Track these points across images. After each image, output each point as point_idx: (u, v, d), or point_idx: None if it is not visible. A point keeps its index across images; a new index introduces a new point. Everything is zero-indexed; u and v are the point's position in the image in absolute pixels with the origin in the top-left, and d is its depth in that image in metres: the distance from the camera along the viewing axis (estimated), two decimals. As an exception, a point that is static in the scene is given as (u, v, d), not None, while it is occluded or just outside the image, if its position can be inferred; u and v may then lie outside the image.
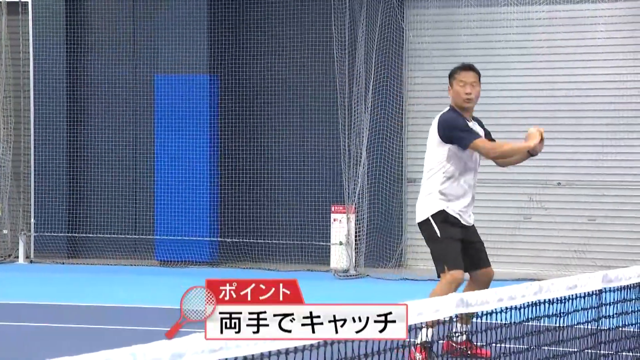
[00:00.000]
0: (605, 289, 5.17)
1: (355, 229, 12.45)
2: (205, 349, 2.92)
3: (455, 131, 6.78)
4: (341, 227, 12.47)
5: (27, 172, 14.03)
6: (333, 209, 12.61)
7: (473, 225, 6.93)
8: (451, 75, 7.05)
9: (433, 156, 6.85)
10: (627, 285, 5.39)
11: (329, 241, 12.67)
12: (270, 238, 13.37)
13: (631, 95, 12.10)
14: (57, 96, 13.91)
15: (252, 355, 3.13)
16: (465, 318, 5.76)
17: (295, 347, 3.28)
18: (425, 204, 6.84)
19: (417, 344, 6.15)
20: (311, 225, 13.21)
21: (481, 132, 6.97)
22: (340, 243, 12.48)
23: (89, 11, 13.96)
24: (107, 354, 2.64)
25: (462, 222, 6.81)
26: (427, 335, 6.11)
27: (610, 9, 12.12)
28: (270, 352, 3.18)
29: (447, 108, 7.03)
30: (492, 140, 7.04)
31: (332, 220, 12.59)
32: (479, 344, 6.21)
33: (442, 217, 6.77)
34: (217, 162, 13.38)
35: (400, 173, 12.88)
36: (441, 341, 6.35)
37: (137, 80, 13.80)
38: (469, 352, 6.48)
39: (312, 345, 3.35)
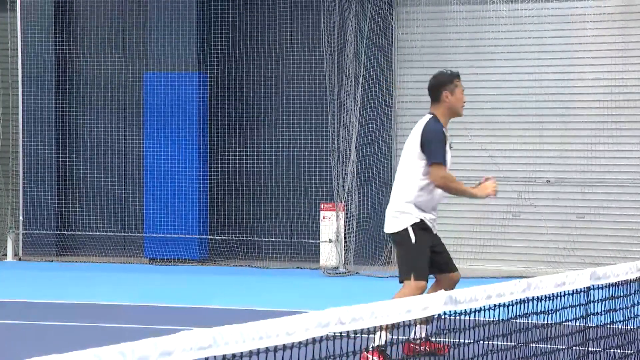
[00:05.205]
0: (593, 286, 5.19)
1: (345, 226, 12.46)
2: (194, 347, 2.91)
3: (433, 145, 6.73)
4: (330, 224, 12.48)
5: (15, 170, 13.99)
6: (322, 207, 12.62)
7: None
8: (449, 82, 6.92)
9: (411, 165, 6.79)
10: (615, 283, 5.40)
11: (319, 239, 12.68)
12: (260, 236, 13.37)
13: (619, 92, 12.14)
14: (45, 93, 13.88)
15: (241, 352, 3.13)
16: (425, 319, 5.74)
17: (284, 345, 3.29)
18: (401, 215, 6.79)
19: (373, 347, 6.10)
20: (301, 222, 13.21)
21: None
22: (330, 240, 12.48)
23: (77, 8, 13.93)
24: (96, 351, 2.64)
25: (434, 230, 6.87)
26: (381, 339, 6.06)
27: (599, 6, 12.15)
28: (259, 349, 3.18)
29: (430, 116, 6.91)
30: None
31: (321, 217, 12.60)
32: (434, 340, 6.26)
33: (420, 226, 6.78)
34: (207, 159, 13.36)
35: (389, 171, 12.89)
36: (399, 344, 6.35)
37: (126, 77, 13.78)
38: (431, 350, 6.47)
39: (300, 342, 3.35)
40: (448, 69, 7.24)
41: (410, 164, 6.80)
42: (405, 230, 6.77)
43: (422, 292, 6.71)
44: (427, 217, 6.79)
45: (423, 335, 6.46)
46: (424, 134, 6.79)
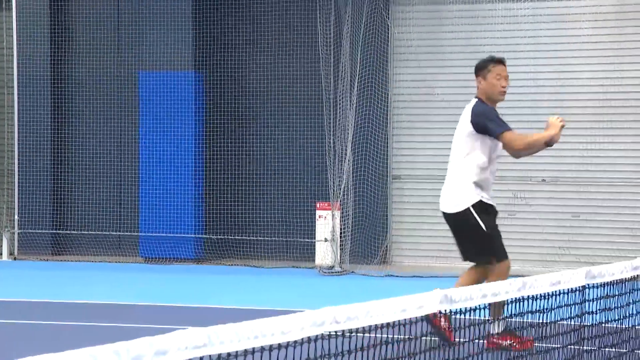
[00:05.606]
0: (588, 285, 5.19)
1: (340, 225, 12.46)
2: (189, 346, 2.91)
3: (489, 121, 6.94)
4: (326, 223, 12.47)
5: (11, 169, 13.97)
6: (318, 206, 12.61)
7: None
8: (483, 67, 7.13)
9: (465, 146, 6.97)
10: (610, 282, 5.41)
11: (314, 238, 12.68)
12: (255, 235, 13.36)
13: (615, 92, 12.15)
14: (41, 93, 13.86)
15: (236, 351, 3.13)
16: (497, 310, 5.97)
17: (279, 344, 3.28)
18: (460, 195, 6.95)
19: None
20: (296, 221, 13.21)
21: None
22: (325, 240, 12.48)
23: (73, 7, 13.91)
24: (90, 351, 2.63)
25: (496, 209, 7.08)
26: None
27: (595, 5, 12.17)
28: (254, 348, 3.18)
29: (476, 100, 7.13)
30: None
31: (317, 217, 12.60)
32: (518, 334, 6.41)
33: (481, 207, 6.94)
34: (202, 158, 13.36)
35: (385, 170, 12.90)
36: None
37: (122, 76, 13.76)
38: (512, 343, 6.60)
39: (295, 341, 3.35)
40: (493, 54, 7.44)
41: (463, 146, 6.98)
42: (467, 210, 6.88)
43: (509, 269, 6.99)
44: (485, 197, 6.96)
45: (500, 330, 6.61)
46: (474, 114, 6.99)
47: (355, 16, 12.56)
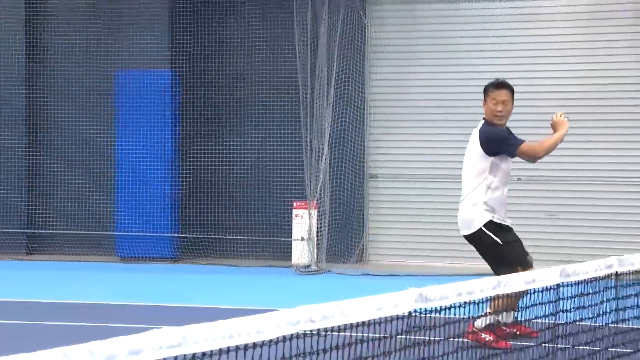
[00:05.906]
0: (562, 283, 5.23)
1: (317, 224, 12.47)
2: (164, 345, 2.91)
3: (500, 142, 7.08)
4: (303, 222, 12.48)
5: (-15, 167, 13.88)
6: (295, 205, 12.61)
7: None
8: (485, 91, 7.30)
9: (475, 168, 7.10)
10: (584, 280, 5.45)
11: (291, 237, 12.67)
12: (232, 234, 13.34)
13: (588, 91, 12.23)
14: (15, 91, 13.78)
15: (211, 351, 3.12)
16: (511, 303, 6.04)
17: (254, 343, 3.28)
18: (472, 216, 7.10)
19: (481, 329, 6.55)
20: (273, 221, 13.21)
21: None
22: (302, 239, 12.48)
23: (48, 6, 13.83)
24: (64, 350, 2.63)
25: (510, 226, 7.19)
26: (487, 320, 6.43)
27: (569, 5, 12.25)
28: (229, 347, 3.18)
29: (482, 122, 7.27)
30: None
31: (293, 215, 12.60)
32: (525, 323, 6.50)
33: (494, 226, 7.08)
34: (178, 157, 13.33)
35: (361, 168, 12.92)
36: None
37: (98, 75, 13.70)
38: (518, 333, 6.72)
39: (270, 340, 3.35)
40: (501, 79, 7.53)
41: (473, 167, 7.12)
42: (481, 231, 7.02)
43: None
44: (496, 217, 7.08)
45: (483, 325, 6.69)
46: (482, 137, 7.15)
47: (332, 15, 12.57)
